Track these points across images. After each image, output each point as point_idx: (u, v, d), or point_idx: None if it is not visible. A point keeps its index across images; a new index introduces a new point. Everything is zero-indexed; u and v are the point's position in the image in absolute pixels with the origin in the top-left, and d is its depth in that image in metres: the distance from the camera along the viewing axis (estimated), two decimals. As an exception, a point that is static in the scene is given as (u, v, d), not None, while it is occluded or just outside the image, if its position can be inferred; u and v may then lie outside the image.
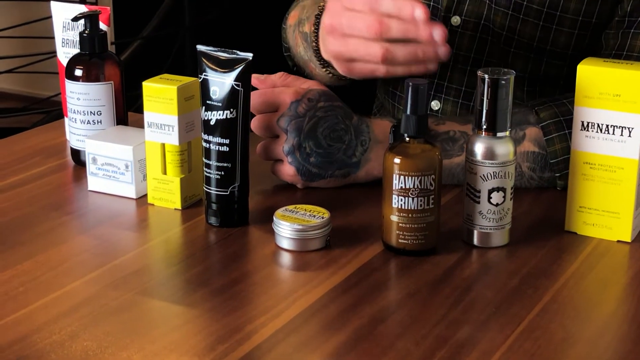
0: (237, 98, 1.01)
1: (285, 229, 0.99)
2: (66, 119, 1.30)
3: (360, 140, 1.13)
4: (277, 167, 1.14)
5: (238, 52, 1.02)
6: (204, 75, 1.02)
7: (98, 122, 1.19)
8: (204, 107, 1.02)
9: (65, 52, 1.29)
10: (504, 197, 0.99)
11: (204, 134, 1.03)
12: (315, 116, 1.12)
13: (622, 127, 0.99)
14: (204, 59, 1.03)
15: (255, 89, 1.14)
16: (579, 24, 1.22)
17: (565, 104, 1.13)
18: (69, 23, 1.28)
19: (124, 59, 3.26)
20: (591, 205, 1.02)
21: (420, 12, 1.04)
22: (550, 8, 1.21)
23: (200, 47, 1.03)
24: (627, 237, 1.01)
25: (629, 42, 1.16)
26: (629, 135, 0.99)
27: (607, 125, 1.00)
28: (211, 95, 1.02)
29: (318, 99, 1.12)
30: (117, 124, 1.20)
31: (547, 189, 1.14)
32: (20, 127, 3.12)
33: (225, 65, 1.01)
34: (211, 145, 1.03)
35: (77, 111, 1.19)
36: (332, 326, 0.84)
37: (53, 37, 1.29)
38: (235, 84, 1.01)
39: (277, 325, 0.84)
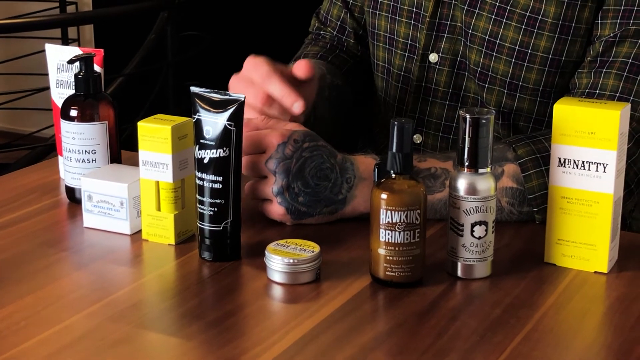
0: (230, 137, 1.05)
1: (277, 263, 1.03)
2: (60, 158, 1.34)
3: (346, 178, 1.17)
4: (266, 206, 1.17)
5: (230, 93, 1.06)
6: (198, 115, 1.06)
7: (93, 160, 1.23)
8: (197, 146, 1.07)
9: (59, 93, 1.33)
10: (486, 230, 1.04)
11: (198, 171, 1.07)
12: (302, 157, 1.16)
13: (597, 163, 1.04)
14: (197, 100, 1.07)
15: None
16: (549, 62, 1.28)
17: (542, 140, 1.18)
18: (63, 65, 1.32)
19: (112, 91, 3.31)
20: (569, 237, 1.07)
21: (298, 108, 1.20)
22: (521, 46, 1.28)
23: (193, 89, 1.08)
24: (604, 268, 1.06)
25: (601, 81, 1.22)
26: (604, 171, 1.04)
27: (583, 162, 1.04)
28: (205, 134, 1.06)
29: (303, 140, 1.16)
30: (111, 162, 1.24)
31: (527, 222, 1.18)
32: (4, 162, 3.15)
33: (218, 106, 1.05)
34: (204, 182, 1.07)
35: (73, 150, 1.23)
36: (325, 356, 0.88)
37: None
38: (228, 124, 1.05)
39: (270, 357, 0.88)
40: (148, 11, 3.31)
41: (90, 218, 1.17)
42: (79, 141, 1.22)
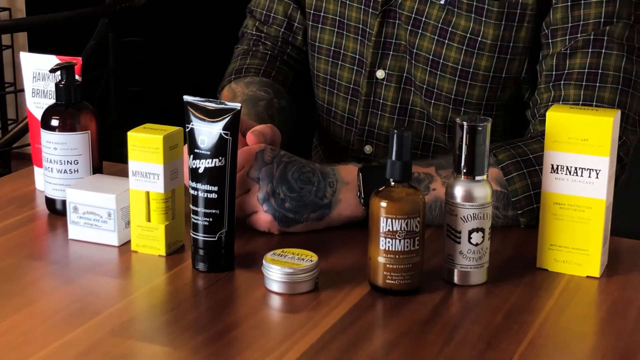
0: (225, 146, 1.04)
1: (276, 273, 1.02)
2: (36, 168, 1.31)
3: (329, 182, 1.17)
4: (253, 217, 1.16)
5: (226, 102, 1.05)
6: (192, 124, 1.05)
7: (75, 171, 1.21)
8: (192, 156, 1.05)
9: (35, 102, 1.30)
10: (483, 237, 1.04)
11: (192, 181, 1.06)
12: (282, 162, 1.16)
13: (590, 170, 1.05)
14: (191, 109, 1.06)
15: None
16: (490, 79, 1.32)
17: (520, 146, 1.20)
18: (39, 73, 1.29)
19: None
20: (561, 243, 1.08)
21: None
22: (464, 65, 1.32)
23: (187, 98, 1.06)
24: (596, 273, 1.07)
25: (563, 93, 1.25)
26: (597, 177, 1.05)
27: (576, 168, 1.06)
28: (199, 144, 1.05)
29: (278, 149, 1.18)
30: (94, 173, 1.22)
31: (513, 227, 1.19)
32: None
33: (213, 115, 1.04)
34: (199, 192, 1.05)
35: (54, 160, 1.20)
36: (336, 366, 0.88)
37: None
38: (224, 133, 1.04)
39: (282, 367, 0.87)
40: (88, 17, 3.28)
41: (75, 230, 1.15)
42: (60, 151, 1.20)
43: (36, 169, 1.32)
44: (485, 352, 0.91)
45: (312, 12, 1.44)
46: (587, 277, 1.07)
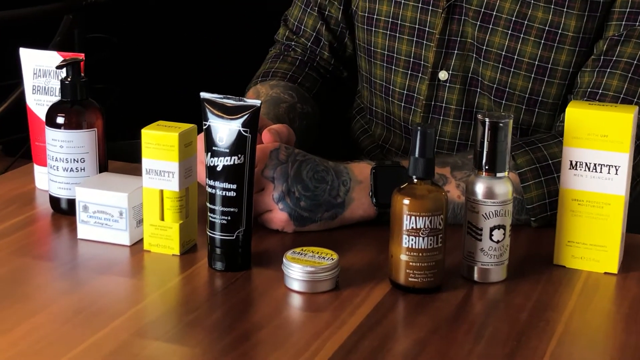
0: (244, 144, 1.02)
1: (297, 271, 1.01)
2: (36, 167, 1.29)
3: (342, 181, 1.15)
4: (267, 216, 1.15)
5: (245, 99, 1.04)
6: (209, 122, 1.03)
7: (81, 169, 1.18)
8: (209, 154, 1.04)
9: (36, 99, 1.27)
10: (504, 234, 1.04)
11: (209, 179, 1.04)
12: (296, 160, 1.14)
13: (610, 166, 1.05)
14: (208, 106, 1.04)
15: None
16: (569, 75, 1.27)
17: (541, 148, 1.18)
18: (40, 70, 1.27)
19: (13, 100, 3.21)
20: (579, 239, 1.08)
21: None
22: (541, 61, 1.26)
23: (204, 95, 1.05)
24: (614, 269, 1.07)
25: (605, 81, 1.23)
26: (616, 173, 1.05)
27: (595, 164, 1.06)
28: (217, 141, 1.03)
29: (293, 147, 1.16)
30: (100, 171, 1.19)
31: (524, 226, 1.19)
32: None
33: (232, 112, 1.03)
34: (216, 190, 1.04)
35: (60, 159, 1.18)
36: (370, 365, 0.87)
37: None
38: (243, 130, 1.02)
39: (316, 367, 0.86)
40: (52, 14, 3.23)
41: (85, 229, 1.13)
42: (67, 149, 1.17)
43: (36, 167, 1.29)
44: (517, 350, 0.90)
45: (366, 14, 1.39)
46: (605, 273, 1.07)
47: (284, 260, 1.02)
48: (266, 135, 1.15)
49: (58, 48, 3.19)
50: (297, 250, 1.04)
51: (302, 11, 1.49)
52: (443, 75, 1.33)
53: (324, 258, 1.02)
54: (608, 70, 1.23)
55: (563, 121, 1.25)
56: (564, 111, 1.28)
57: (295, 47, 1.49)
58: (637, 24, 1.22)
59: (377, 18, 1.38)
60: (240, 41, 3.79)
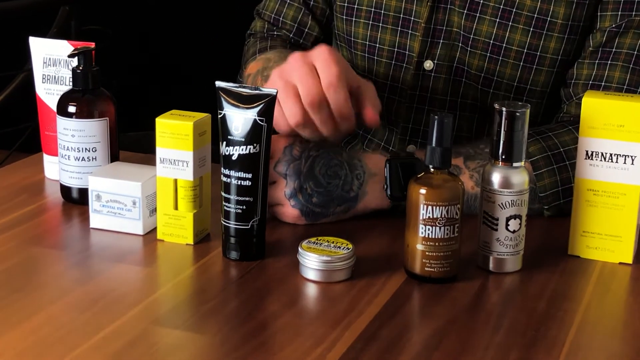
0: (260, 133, 1.02)
1: (312, 261, 1.00)
2: (46, 156, 1.28)
3: (356, 174, 1.15)
4: (279, 210, 1.14)
5: (261, 87, 1.03)
6: (224, 111, 1.03)
7: (93, 158, 1.18)
8: (224, 142, 1.03)
9: (46, 89, 1.27)
10: (520, 224, 1.04)
11: (224, 168, 1.04)
12: (310, 156, 1.13)
13: (625, 156, 1.05)
14: (223, 95, 1.03)
15: None
16: (558, 63, 1.27)
17: (552, 137, 1.18)
18: (50, 59, 1.26)
19: (10, 92, 3.20)
20: (594, 229, 1.08)
21: (372, 119, 1.13)
22: (530, 49, 1.27)
23: (219, 83, 1.04)
24: (629, 259, 1.07)
25: (607, 73, 1.23)
26: (632, 163, 1.05)
27: (611, 154, 1.06)
28: (233, 130, 1.02)
29: (308, 142, 1.14)
30: (112, 161, 1.19)
31: (536, 216, 1.19)
32: None
33: (248, 101, 1.02)
34: (232, 179, 1.03)
35: (71, 148, 1.17)
36: (391, 353, 0.86)
37: None
38: (259, 119, 1.02)
39: (337, 355, 0.86)
40: (49, 6, 3.22)
41: (98, 218, 1.12)
42: (78, 139, 1.17)
43: (46, 157, 1.28)
44: (536, 339, 0.90)
45: (345, 4, 1.37)
46: (620, 263, 1.07)
47: (299, 249, 1.02)
48: (372, 114, 1.13)
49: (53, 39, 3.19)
50: (313, 239, 1.03)
51: (279, 3, 1.45)
52: (428, 64, 1.32)
53: (339, 247, 1.02)
54: (609, 62, 1.23)
55: (567, 112, 1.26)
56: (552, 99, 1.31)
57: (277, 37, 1.45)
58: (634, 13, 1.23)
59: (358, 8, 1.36)
60: (236, 30, 3.79)
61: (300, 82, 1.08)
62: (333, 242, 1.03)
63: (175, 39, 3.94)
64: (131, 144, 1.58)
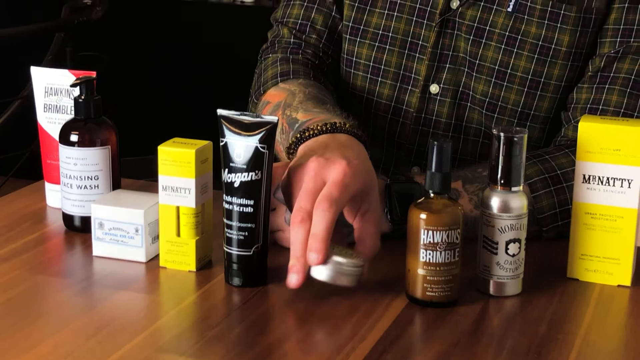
0: (262, 160, 1.03)
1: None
2: (47, 184, 1.29)
3: None
4: (279, 236, 1.15)
5: (262, 115, 1.05)
6: (225, 139, 1.04)
7: (95, 187, 1.19)
8: (226, 170, 1.04)
9: (47, 117, 1.28)
10: (520, 247, 1.05)
11: (226, 195, 1.05)
12: None
13: (622, 179, 1.06)
14: (225, 123, 1.05)
15: None
16: (561, 89, 1.30)
17: (549, 160, 1.20)
18: (51, 88, 1.27)
19: (6, 118, 3.21)
20: (592, 252, 1.09)
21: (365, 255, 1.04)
22: (534, 75, 1.29)
23: (220, 111, 1.05)
24: (627, 282, 1.09)
25: (604, 97, 1.25)
26: (629, 187, 1.06)
27: (608, 178, 1.07)
28: (235, 157, 1.04)
29: None
30: (113, 189, 1.20)
31: (535, 238, 1.20)
32: None
33: (250, 128, 1.03)
34: (234, 206, 1.04)
35: (73, 176, 1.18)
36: (395, 379, 0.88)
37: None
38: (260, 146, 1.03)
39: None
40: (45, 32, 3.24)
41: (100, 246, 1.13)
42: (81, 167, 1.18)
43: (47, 185, 1.29)
44: (538, 362, 0.91)
45: (350, 24, 1.38)
46: (619, 286, 1.09)
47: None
48: (366, 253, 1.05)
49: (50, 66, 3.20)
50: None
51: (305, 8, 1.42)
52: (434, 88, 1.34)
53: (352, 255, 1.03)
54: (607, 86, 1.25)
55: (564, 135, 1.28)
56: (555, 125, 1.32)
57: (305, 48, 1.41)
58: (632, 40, 1.25)
59: (365, 29, 1.37)
60: (227, 58, 3.81)
61: (302, 190, 1.03)
62: (345, 251, 1.03)
63: (172, 65, 3.96)
64: (128, 169, 1.59)
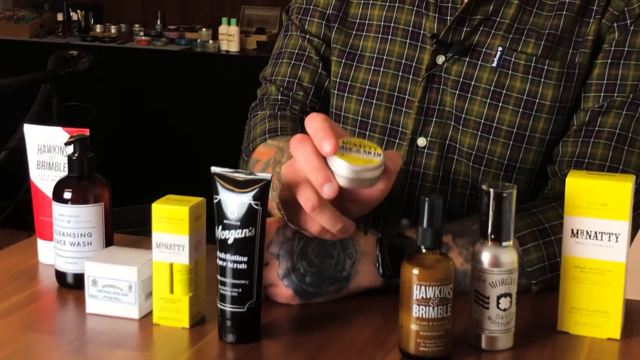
0: (255, 217, 1.04)
1: (342, 168, 1.02)
2: (40, 241, 1.30)
3: (348, 254, 1.17)
4: (272, 291, 1.16)
5: (255, 173, 1.06)
6: (219, 197, 1.05)
7: (88, 243, 1.19)
8: (220, 227, 1.05)
9: (40, 175, 1.29)
10: (511, 302, 1.06)
11: (220, 252, 1.06)
12: (303, 237, 1.15)
13: (610, 234, 1.08)
14: (219, 180, 1.06)
15: None
16: (546, 142, 1.32)
17: (536, 213, 1.22)
18: (44, 146, 1.28)
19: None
20: (582, 306, 1.10)
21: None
22: (519, 129, 1.31)
23: (214, 169, 1.07)
24: (617, 335, 1.10)
25: (590, 151, 1.27)
26: (616, 241, 1.08)
27: (596, 232, 1.09)
28: (229, 215, 1.05)
29: None
30: (106, 245, 1.21)
31: (525, 292, 1.21)
32: None
33: (243, 186, 1.05)
34: (227, 263, 1.05)
35: (67, 234, 1.19)
36: None
37: None
38: (254, 203, 1.04)
39: None
40: (31, 84, 3.25)
41: (94, 303, 1.13)
42: (74, 224, 1.19)
43: (40, 242, 1.30)
44: (531, 416, 0.92)
45: (338, 80, 1.41)
46: (608, 339, 1.10)
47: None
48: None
49: (37, 116, 3.21)
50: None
51: (292, 66, 1.44)
52: (422, 141, 1.36)
53: (369, 153, 1.04)
54: (592, 140, 1.28)
55: (552, 188, 1.30)
56: (541, 177, 1.34)
57: (292, 104, 1.44)
58: (615, 94, 1.28)
59: (352, 84, 1.40)
60: (215, 112, 3.83)
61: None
62: (360, 144, 1.04)
63: (157, 115, 3.99)
64: (117, 220, 1.59)
